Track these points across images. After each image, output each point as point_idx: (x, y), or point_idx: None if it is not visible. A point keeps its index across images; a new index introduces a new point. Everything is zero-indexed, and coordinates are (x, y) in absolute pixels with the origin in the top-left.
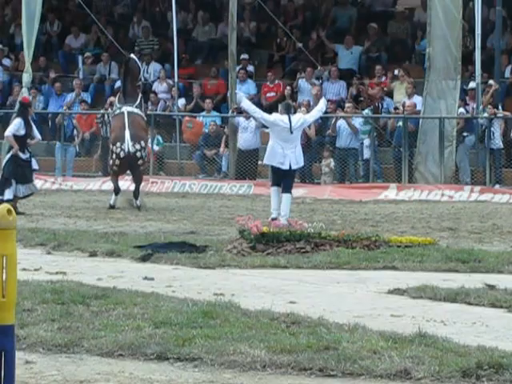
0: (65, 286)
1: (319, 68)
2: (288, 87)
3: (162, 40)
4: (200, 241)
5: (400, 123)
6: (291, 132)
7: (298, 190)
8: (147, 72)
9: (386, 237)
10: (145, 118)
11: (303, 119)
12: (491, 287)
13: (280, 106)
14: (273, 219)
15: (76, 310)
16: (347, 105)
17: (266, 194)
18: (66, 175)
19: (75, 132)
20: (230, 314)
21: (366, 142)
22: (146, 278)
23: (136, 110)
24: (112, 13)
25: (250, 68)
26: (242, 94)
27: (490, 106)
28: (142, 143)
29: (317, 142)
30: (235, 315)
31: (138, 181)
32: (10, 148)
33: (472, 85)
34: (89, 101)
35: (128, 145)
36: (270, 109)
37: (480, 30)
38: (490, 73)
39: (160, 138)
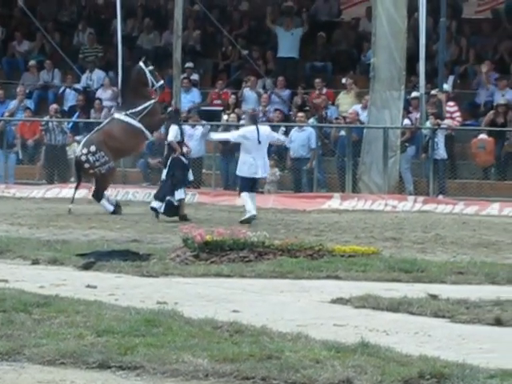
0: (6, 294)
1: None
2: (233, 96)
3: (106, 47)
4: (143, 249)
5: (343, 132)
6: (259, 142)
7: (241, 200)
8: (91, 79)
9: (330, 246)
10: (135, 126)
11: (271, 134)
12: (434, 297)
13: (245, 117)
14: (254, 215)
15: (18, 318)
16: (300, 114)
17: (210, 203)
18: (9, 182)
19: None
20: (172, 322)
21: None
22: (88, 286)
23: (123, 117)
24: (57, 20)
25: (195, 76)
26: (207, 129)
27: (432, 117)
28: (92, 148)
29: None
30: (178, 324)
31: (96, 185)
32: None
33: (414, 94)
34: (32, 108)
35: (79, 149)
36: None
37: (424, 40)
38: (433, 83)
39: None
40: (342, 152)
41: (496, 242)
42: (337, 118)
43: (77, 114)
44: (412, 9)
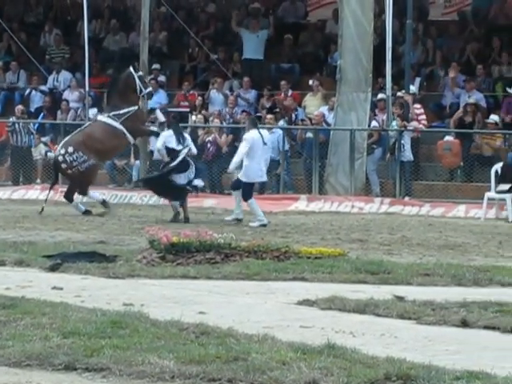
0: None
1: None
2: (199, 97)
3: (73, 48)
4: (110, 250)
5: (310, 134)
6: (264, 143)
7: (208, 201)
8: (57, 81)
9: (296, 248)
10: (116, 128)
11: (269, 136)
12: (400, 299)
13: (247, 122)
14: (264, 225)
15: None
16: (269, 116)
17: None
18: None
19: None
20: (139, 324)
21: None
22: (54, 288)
23: (105, 119)
24: (23, 20)
25: (162, 78)
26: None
27: (399, 119)
28: (70, 149)
29: (229, 152)
30: (144, 325)
31: (71, 185)
32: None
33: (381, 96)
34: None
35: (57, 150)
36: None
37: (391, 42)
38: (400, 85)
39: None
40: (308, 154)
41: (462, 244)
42: (303, 120)
43: (42, 114)
44: (379, 11)
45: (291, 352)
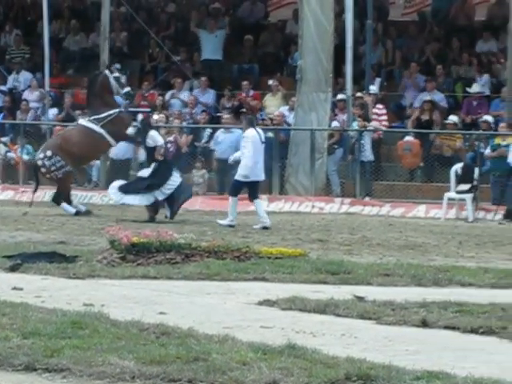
0: None
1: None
2: (160, 97)
3: (33, 49)
4: (70, 251)
5: (270, 134)
6: (262, 142)
7: None
8: (17, 81)
9: (257, 248)
10: (96, 132)
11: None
12: (360, 299)
13: (244, 121)
14: (232, 226)
15: None
16: (225, 116)
17: (137, 205)
18: None
19: None
20: (99, 324)
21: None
22: (14, 288)
23: (85, 123)
24: None
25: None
26: (233, 156)
27: (359, 119)
28: (48, 153)
29: (189, 152)
30: (104, 326)
31: (58, 187)
32: None
33: (341, 96)
34: None
35: (37, 153)
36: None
37: (351, 42)
38: (360, 85)
39: (30, 148)
40: (269, 154)
41: (422, 244)
42: (263, 120)
43: (2, 115)
44: (339, 11)
45: (251, 352)
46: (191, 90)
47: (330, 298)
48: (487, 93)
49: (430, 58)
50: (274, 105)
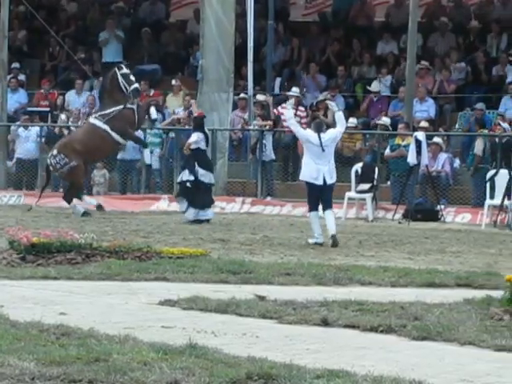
0: None
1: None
2: (60, 97)
3: None
4: None
5: (172, 134)
6: (323, 150)
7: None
8: None
9: (158, 248)
10: (100, 128)
11: (335, 134)
12: (261, 298)
13: (312, 125)
14: (319, 244)
15: None
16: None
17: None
18: None
19: None
20: None
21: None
22: None
23: (93, 120)
24: None
25: (22, 77)
26: (291, 109)
27: (259, 119)
28: (54, 151)
29: None
30: (4, 327)
31: (68, 186)
32: None
33: (242, 95)
34: None
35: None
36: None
37: (252, 43)
38: (262, 85)
39: None
40: (171, 154)
41: (323, 244)
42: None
43: None
44: (241, 11)
45: (153, 352)
46: (91, 89)
47: (232, 297)
48: (388, 93)
49: (330, 59)
50: (175, 105)
